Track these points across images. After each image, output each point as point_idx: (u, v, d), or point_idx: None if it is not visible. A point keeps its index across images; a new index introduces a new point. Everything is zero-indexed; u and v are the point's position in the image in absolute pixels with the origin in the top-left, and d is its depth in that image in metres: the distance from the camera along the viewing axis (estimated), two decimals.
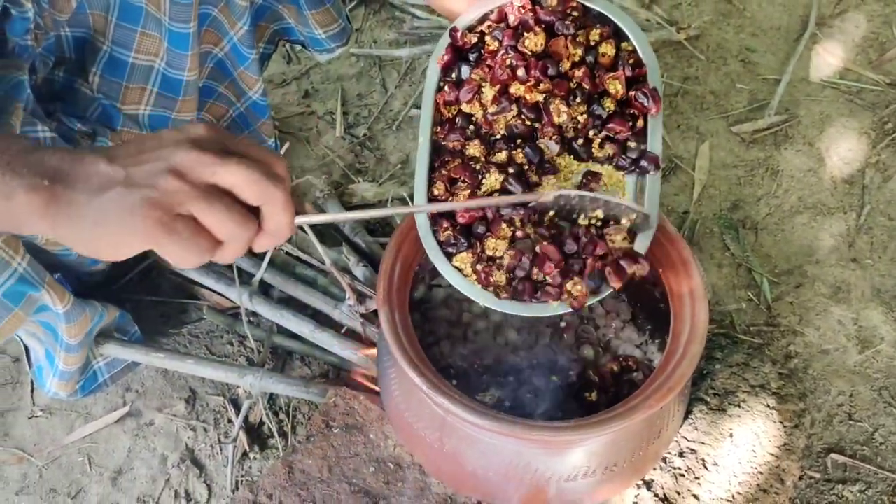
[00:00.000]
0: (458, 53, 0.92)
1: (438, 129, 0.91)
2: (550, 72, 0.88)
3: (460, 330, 1.06)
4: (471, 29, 0.92)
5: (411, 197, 1.32)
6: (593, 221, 0.84)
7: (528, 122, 0.89)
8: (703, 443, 1.05)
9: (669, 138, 1.49)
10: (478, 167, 0.87)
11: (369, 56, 1.62)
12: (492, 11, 0.92)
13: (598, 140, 0.89)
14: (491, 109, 0.89)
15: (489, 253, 0.85)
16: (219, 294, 1.26)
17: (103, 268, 1.14)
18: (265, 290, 1.25)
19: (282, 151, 1.31)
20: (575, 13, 0.90)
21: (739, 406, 1.08)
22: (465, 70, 0.91)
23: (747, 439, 1.05)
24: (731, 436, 1.05)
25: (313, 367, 1.23)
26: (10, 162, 0.63)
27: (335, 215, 0.82)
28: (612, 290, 0.83)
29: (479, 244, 0.86)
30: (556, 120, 0.88)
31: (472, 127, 0.90)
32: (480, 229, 0.86)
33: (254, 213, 0.66)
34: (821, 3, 1.66)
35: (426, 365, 0.88)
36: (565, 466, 0.89)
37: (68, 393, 1.13)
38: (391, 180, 1.44)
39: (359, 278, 1.21)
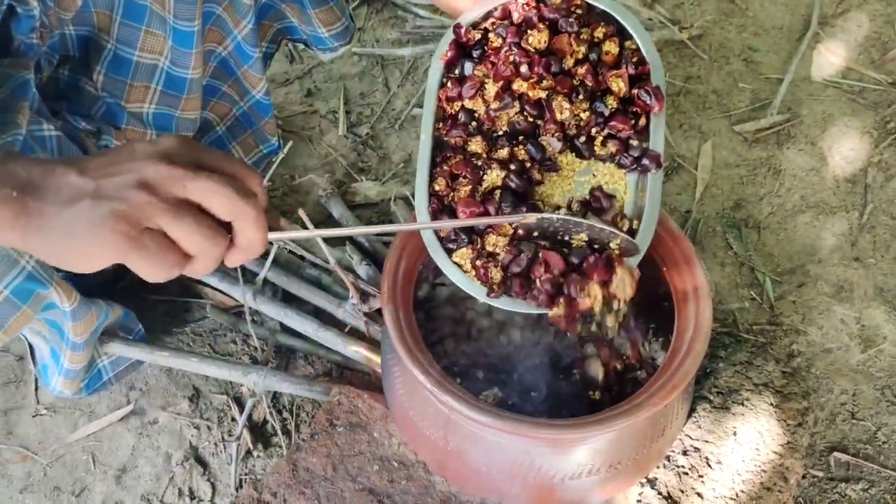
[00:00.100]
0: (462, 50, 0.92)
1: (441, 125, 0.91)
2: (553, 69, 0.88)
3: (464, 328, 1.06)
4: (475, 26, 0.93)
5: (413, 195, 1.32)
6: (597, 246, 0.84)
7: (530, 119, 0.89)
8: (706, 441, 1.05)
9: (672, 137, 1.49)
10: (479, 163, 0.87)
11: (372, 55, 1.62)
12: (496, 8, 0.92)
13: (601, 138, 0.89)
14: (493, 106, 0.89)
15: (489, 249, 0.85)
16: (222, 293, 1.26)
17: (108, 267, 1.14)
18: (269, 288, 1.25)
19: (285, 150, 1.31)
20: (579, 10, 0.90)
21: (743, 404, 1.08)
22: (468, 66, 0.91)
23: (751, 437, 1.05)
24: (734, 434, 1.05)
25: (317, 366, 1.23)
26: None
27: (309, 232, 0.82)
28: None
29: (479, 240, 0.86)
30: (558, 117, 0.88)
31: (474, 123, 0.90)
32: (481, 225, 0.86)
33: (226, 227, 0.66)
34: (823, 2, 1.66)
35: (431, 363, 0.88)
36: (569, 464, 0.89)
37: (73, 391, 1.13)
38: (394, 179, 1.44)
39: (362, 277, 1.21)
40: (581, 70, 0.88)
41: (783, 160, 1.46)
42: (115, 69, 1.00)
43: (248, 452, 1.15)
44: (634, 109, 0.88)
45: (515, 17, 0.90)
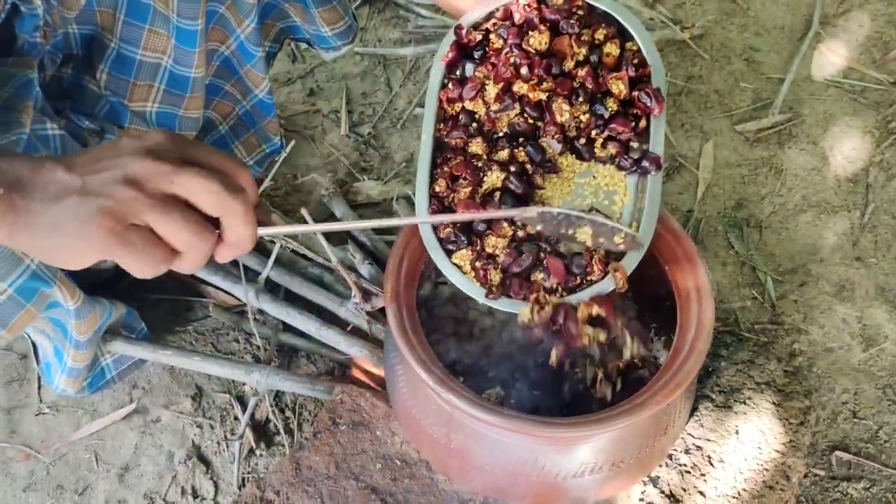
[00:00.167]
0: (463, 51, 0.92)
1: (441, 125, 0.91)
2: (554, 70, 0.88)
3: (466, 327, 1.06)
4: (476, 27, 0.93)
5: (414, 194, 1.33)
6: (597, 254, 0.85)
7: (530, 121, 0.89)
8: (708, 440, 1.05)
9: (673, 137, 1.49)
10: (479, 165, 0.87)
11: (374, 55, 1.63)
12: (497, 9, 0.92)
13: (601, 140, 0.89)
14: (494, 107, 0.89)
15: (489, 250, 0.85)
16: (225, 292, 1.26)
17: (110, 265, 1.14)
18: (271, 287, 1.25)
19: (287, 150, 1.32)
20: (580, 12, 0.90)
21: (745, 403, 1.08)
22: (469, 68, 0.91)
23: (753, 436, 1.05)
24: (736, 433, 1.06)
25: (319, 365, 1.24)
26: None
27: (298, 227, 0.81)
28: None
29: (479, 241, 0.86)
30: (558, 119, 0.88)
31: (474, 124, 0.90)
32: (481, 227, 0.86)
33: (215, 223, 0.65)
34: (824, 2, 1.67)
35: (433, 361, 0.88)
36: (572, 463, 0.90)
37: (76, 390, 1.13)
38: (396, 178, 1.45)
39: (364, 276, 1.21)
40: (581, 72, 0.88)
41: (785, 160, 1.46)
42: (118, 68, 1.00)
43: (251, 451, 1.16)
44: (635, 111, 0.88)
45: (517, 17, 0.90)
